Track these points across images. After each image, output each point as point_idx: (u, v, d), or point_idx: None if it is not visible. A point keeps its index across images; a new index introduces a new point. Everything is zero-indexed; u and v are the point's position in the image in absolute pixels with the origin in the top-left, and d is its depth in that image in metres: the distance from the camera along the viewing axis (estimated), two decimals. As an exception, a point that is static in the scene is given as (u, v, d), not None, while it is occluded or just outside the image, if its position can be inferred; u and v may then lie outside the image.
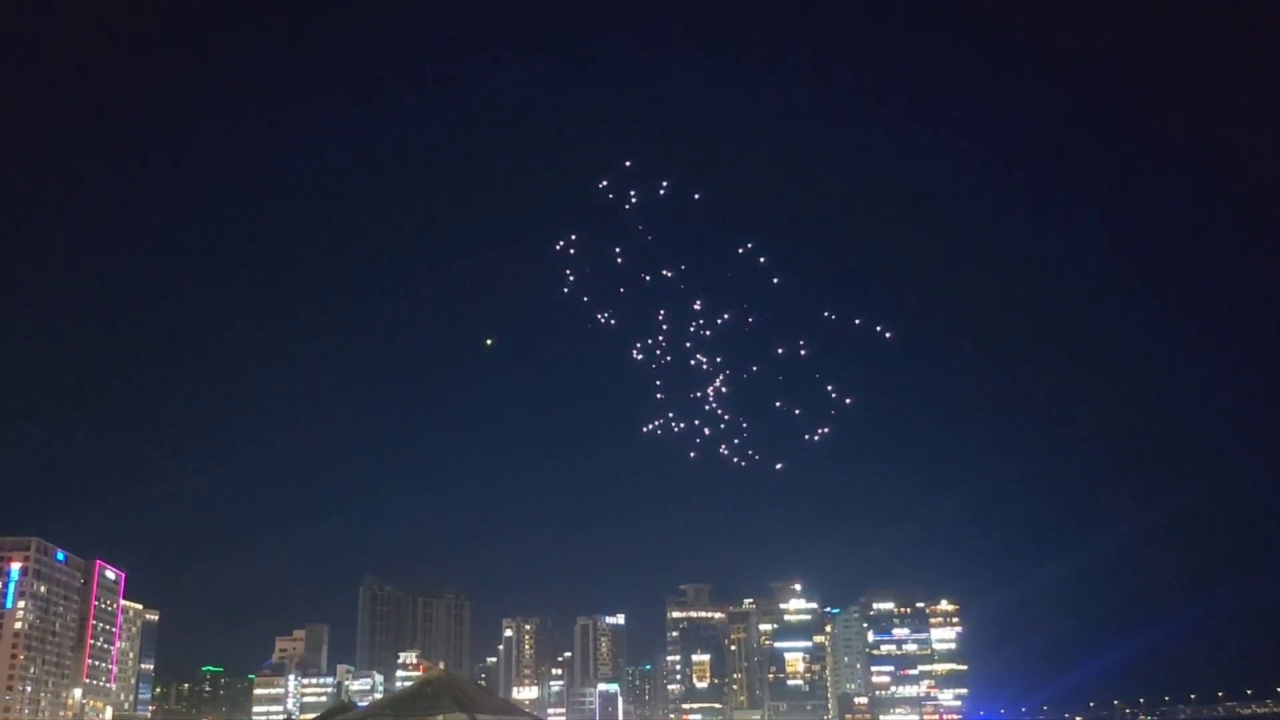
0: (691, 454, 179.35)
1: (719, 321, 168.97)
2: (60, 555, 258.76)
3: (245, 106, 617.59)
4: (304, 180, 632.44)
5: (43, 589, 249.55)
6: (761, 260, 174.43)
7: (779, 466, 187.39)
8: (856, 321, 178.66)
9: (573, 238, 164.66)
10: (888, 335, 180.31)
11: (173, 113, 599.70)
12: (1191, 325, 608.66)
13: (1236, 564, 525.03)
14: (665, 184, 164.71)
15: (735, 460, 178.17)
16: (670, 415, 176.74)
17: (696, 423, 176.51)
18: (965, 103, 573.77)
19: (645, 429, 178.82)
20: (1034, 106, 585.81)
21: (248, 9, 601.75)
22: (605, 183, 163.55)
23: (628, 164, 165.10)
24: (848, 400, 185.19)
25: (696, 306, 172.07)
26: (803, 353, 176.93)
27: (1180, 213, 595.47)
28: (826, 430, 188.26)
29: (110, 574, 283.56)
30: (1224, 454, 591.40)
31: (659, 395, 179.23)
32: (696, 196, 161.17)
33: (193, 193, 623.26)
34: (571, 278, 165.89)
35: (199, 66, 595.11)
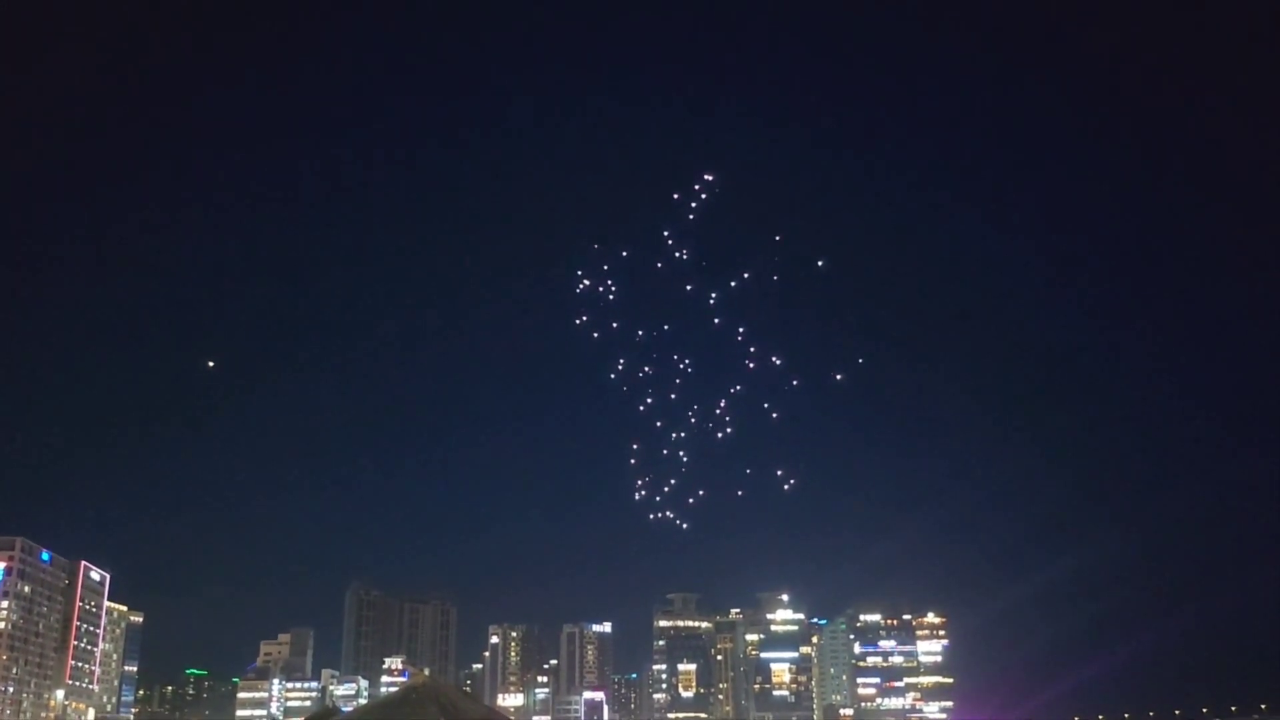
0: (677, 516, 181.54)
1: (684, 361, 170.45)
2: (45, 555, 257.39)
3: (263, 141, 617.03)
4: (328, 206, 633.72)
5: (27, 589, 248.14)
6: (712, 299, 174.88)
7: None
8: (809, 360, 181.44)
9: (605, 268, 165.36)
10: (838, 377, 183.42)
11: (192, 144, 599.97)
12: (1165, 346, 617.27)
13: (1221, 578, 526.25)
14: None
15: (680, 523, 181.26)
16: (648, 477, 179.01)
17: (665, 488, 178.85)
18: (935, 127, 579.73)
19: (636, 486, 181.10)
20: (1006, 131, 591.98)
21: (270, 43, 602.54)
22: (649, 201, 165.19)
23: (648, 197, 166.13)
24: (790, 483, 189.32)
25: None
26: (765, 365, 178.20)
27: (1152, 235, 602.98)
28: (793, 481, 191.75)
29: (95, 575, 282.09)
30: (1205, 466, 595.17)
31: (633, 459, 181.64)
32: (700, 208, 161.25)
33: (202, 210, 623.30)
34: (585, 285, 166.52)
35: (225, 106, 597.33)
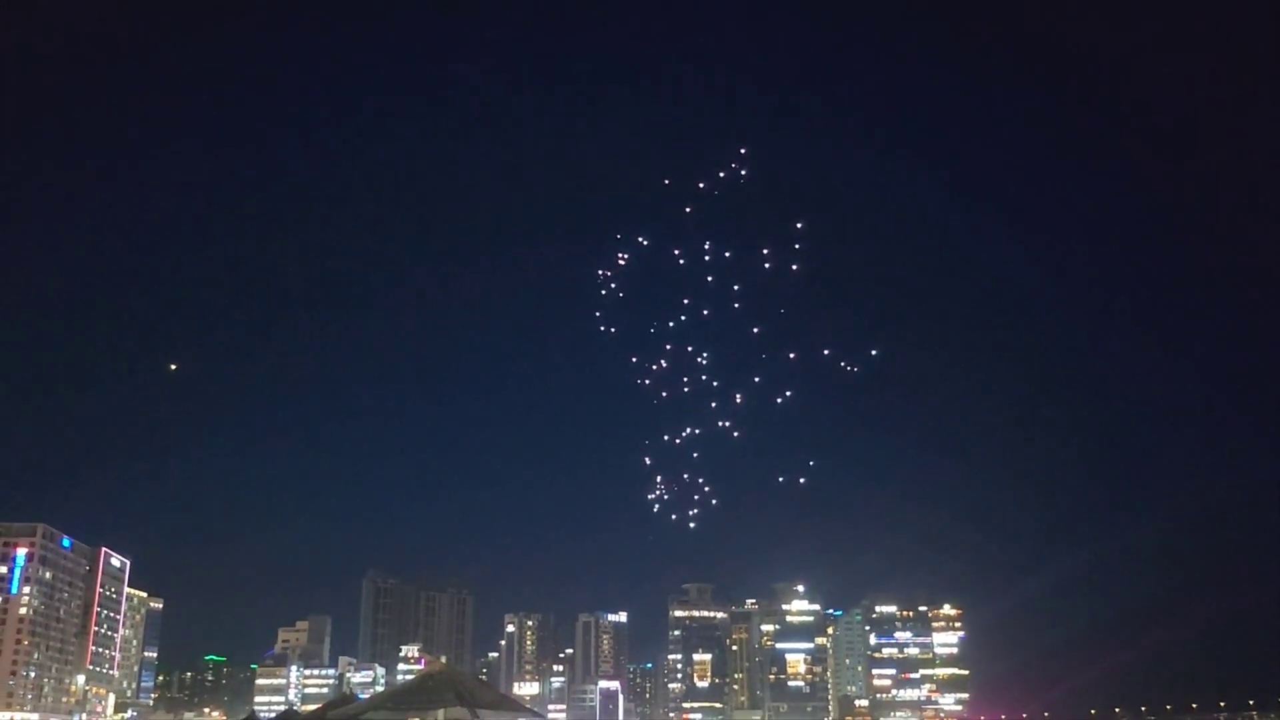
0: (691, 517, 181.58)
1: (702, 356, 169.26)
2: (66, 542, 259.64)
3: (265, 106, 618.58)
4: (324, 176, 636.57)
5: (48, 575, 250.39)
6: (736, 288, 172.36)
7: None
8: (826, 352, 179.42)
9: (621, 260, 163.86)
10: (854, 369, 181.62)
11: (191, 110, 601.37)
12: (1182, 346, 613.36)
13: (1241, 571, 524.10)
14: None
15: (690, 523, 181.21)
16: (660, 477, 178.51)
17: (675, 488, 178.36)
18: (942, 119, 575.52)
19: (650, 486, 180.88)
20: (1012, 125, 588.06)
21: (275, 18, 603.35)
22: (668, 181, 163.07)
23: (667, 181, 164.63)
24: (803, 480, 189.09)
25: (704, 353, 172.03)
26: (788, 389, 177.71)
27: (1162, 231, 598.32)
28: (802, 480, 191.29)
29: (116, 561, 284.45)
30: (1226, 458, 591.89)
31: (647, 458, 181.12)
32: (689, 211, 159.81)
33: (214, 183, 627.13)
34: (607, 276, 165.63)
35: (238, 66, 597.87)
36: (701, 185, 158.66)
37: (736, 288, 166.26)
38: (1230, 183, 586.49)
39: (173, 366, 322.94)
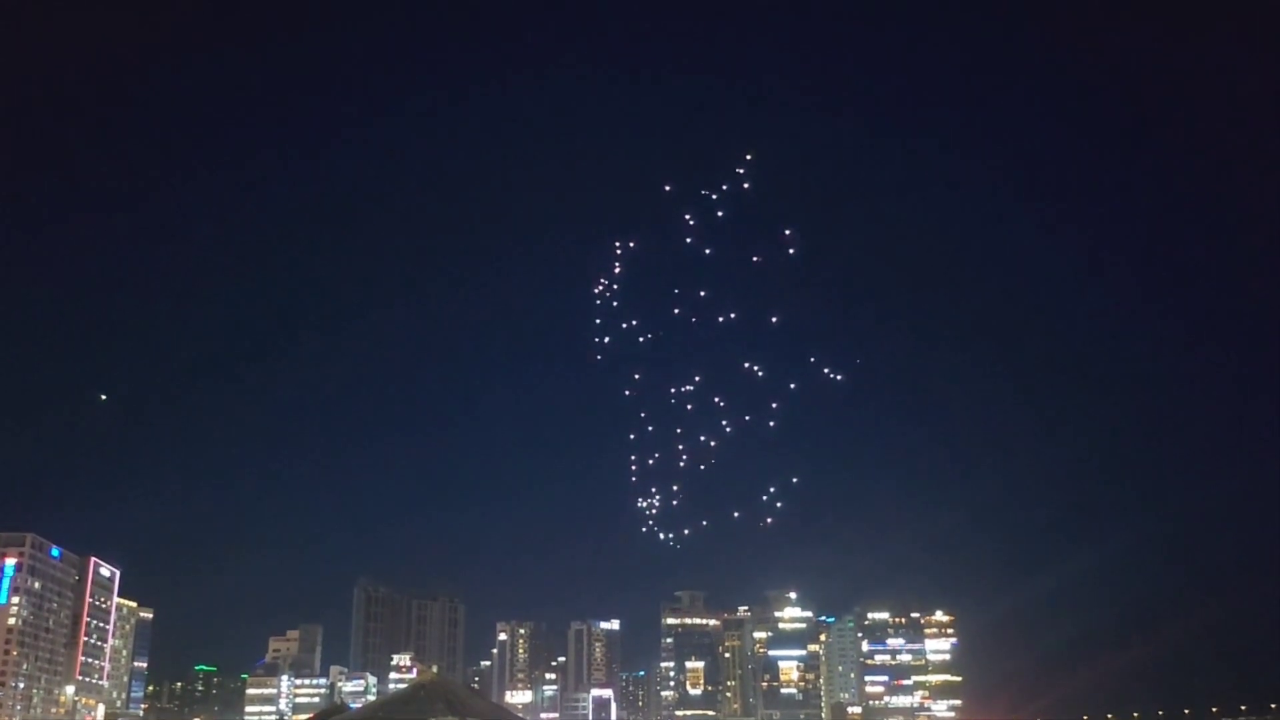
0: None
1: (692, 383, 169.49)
2: (55, 551, 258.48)
3: (257, 121, 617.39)
4: (319, 188, 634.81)
5: (37, 585, 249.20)
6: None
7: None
8: (811, 359, 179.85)
9: (615, 268, 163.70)
10: (838, 377, 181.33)
11: (184, 126, 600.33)
12: (1185, 338, 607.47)
13: (1233, 577, 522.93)
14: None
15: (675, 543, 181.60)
16: (652, 491, 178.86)
17: (658, 501, 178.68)
18: (952, 108, 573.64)
19: (640, 503, 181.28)
20: (1023, 113, 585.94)
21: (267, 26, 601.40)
22: (669, 187, 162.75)
23: (667, 187, 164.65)
24: (780, 504, 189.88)
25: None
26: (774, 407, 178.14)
27: (1174, 225, 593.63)
28: (781, 504, 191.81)
29: (105, 571, 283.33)
30: (1219, 466, 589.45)
31: (634, 478, 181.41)
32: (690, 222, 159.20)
33: (205, 194, 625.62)
34: (604, 285, 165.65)
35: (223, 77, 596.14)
36: (703, 192, 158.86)
37: (731, 296, 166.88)
38: (1255, 174, 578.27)
39: (103, 397, 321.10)
